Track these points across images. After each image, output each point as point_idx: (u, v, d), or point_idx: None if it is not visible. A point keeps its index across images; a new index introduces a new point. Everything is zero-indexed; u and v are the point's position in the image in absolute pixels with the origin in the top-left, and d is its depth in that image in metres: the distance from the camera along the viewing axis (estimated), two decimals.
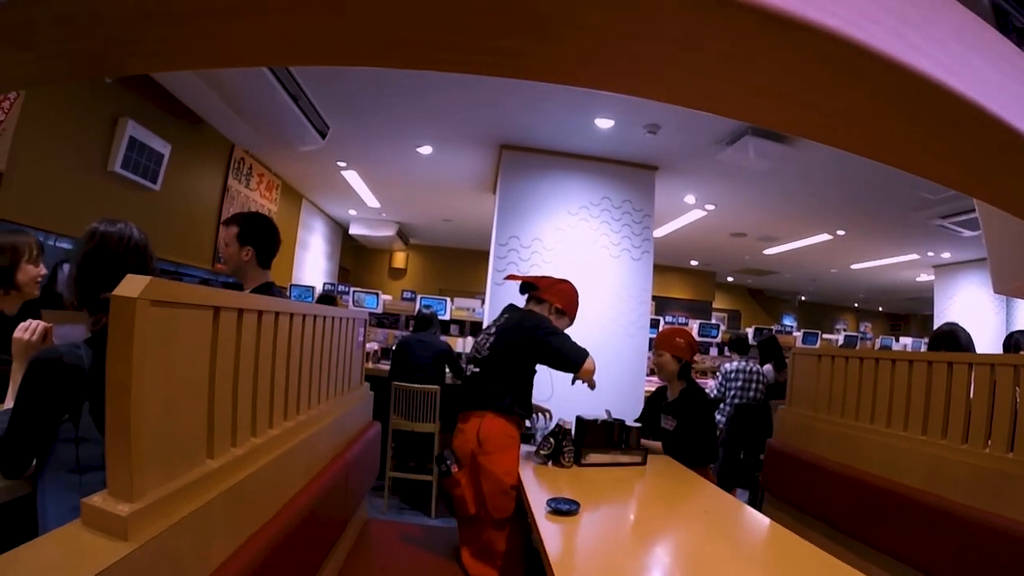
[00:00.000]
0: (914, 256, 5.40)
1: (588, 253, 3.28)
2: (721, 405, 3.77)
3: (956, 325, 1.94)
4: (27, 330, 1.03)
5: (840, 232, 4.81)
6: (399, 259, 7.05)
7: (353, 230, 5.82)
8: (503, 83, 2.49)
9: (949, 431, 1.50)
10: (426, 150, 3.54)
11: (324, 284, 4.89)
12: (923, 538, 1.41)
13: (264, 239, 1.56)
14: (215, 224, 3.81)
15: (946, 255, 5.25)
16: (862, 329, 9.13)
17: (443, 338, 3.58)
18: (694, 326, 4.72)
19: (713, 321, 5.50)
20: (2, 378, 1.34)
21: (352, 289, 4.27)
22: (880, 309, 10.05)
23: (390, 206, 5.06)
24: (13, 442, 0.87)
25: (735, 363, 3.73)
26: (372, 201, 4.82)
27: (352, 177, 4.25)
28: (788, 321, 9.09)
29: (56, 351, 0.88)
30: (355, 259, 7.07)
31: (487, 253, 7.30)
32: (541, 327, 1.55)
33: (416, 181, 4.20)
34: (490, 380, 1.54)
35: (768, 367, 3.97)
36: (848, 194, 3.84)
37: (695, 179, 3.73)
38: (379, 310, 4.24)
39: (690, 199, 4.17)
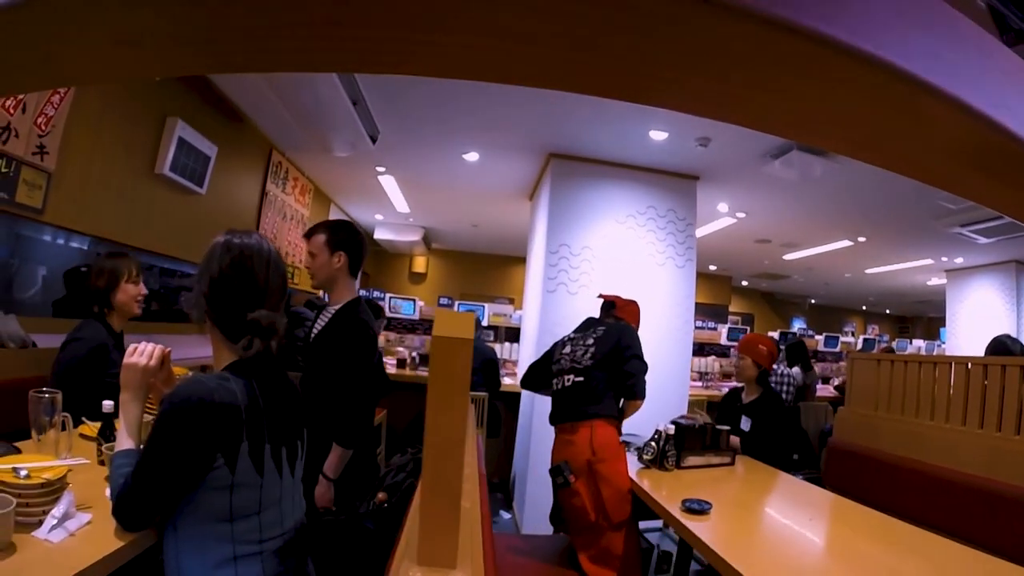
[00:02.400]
0: (928, 261, 5.82)
1: (636, 261, 3.53)
2: None
3: (1008, 336, 2.28)
4: (142, 355, 0.92)
5: (861, 239, 5.17)
6: (419, 263, 7.25)
7: (378, 235, 5.99)
8: (560, 93, 2.71)
9: (1004, 425, 1.79)
10: (472, 157, 3.75)
11: (359, 291, 5.05)
12: (986, 518, 1.70)
13: (355, 244, 1.57)
14: (254, 228, 3.95)
15: (959, 260, 5.68)
16: (869, 331, 9.64)
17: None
18: (723, 331, 5.03)
19: (729, 325, 5.82)
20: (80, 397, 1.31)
21: (388, 295, 4.44)
22: (887, 312, 10.62)
23: (420, 211, 5.26)
24: (141, 495, 0.77)
25: None
26: (403, 206, 5.01)
27: (388, 182, 4.44)
28: (798, 323, 9.55)
29: (204, 387, 0.77)
30: (376, 263, 7.24)
31: (513, 258, 7.59)
32: (633, 349, 1.77)
33: (454, 187, 4.41)
34: (596, 389, 1.72)
35: (796, 369, 4.30)
36: (873, 203, 4.18)
37: (732, 188, 4.02)
38: (416, 316, 4.43)
39: (723, 207, 4.47)
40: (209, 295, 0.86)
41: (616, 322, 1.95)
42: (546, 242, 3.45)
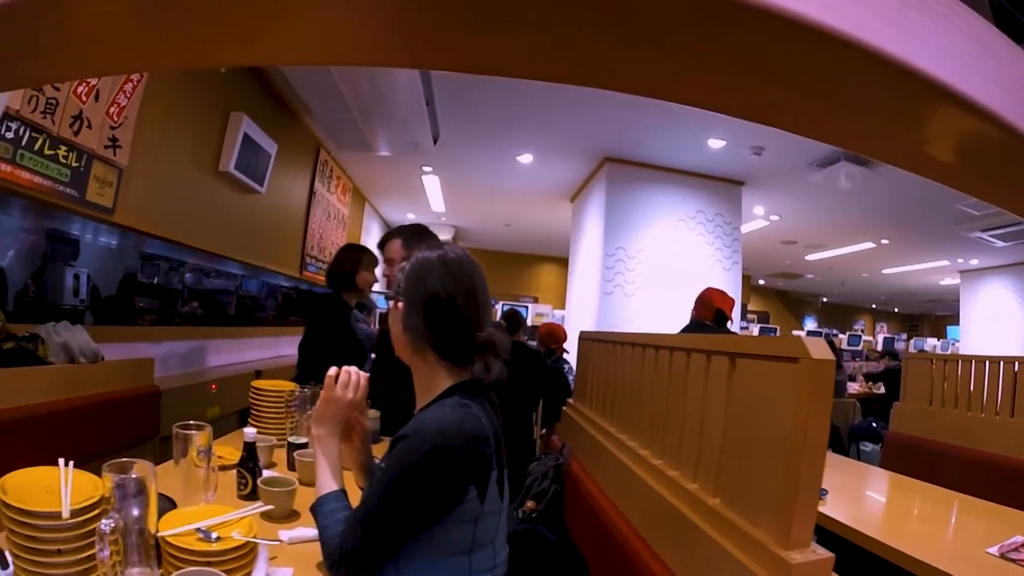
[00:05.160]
0: (945, 262, 6.31)
1: (686, 264, 3.86)
2: None
3: None
4: (347, 387, 0.87)
5: (884, 241, 5.61)
6: None
7: None
8: (622, 98, 2.96)
9: None
10: (526, 159, 4.01)
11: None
12: None
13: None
14: (303, 229, 4.13)
15: (974, 261, 6.18)
16: (878, 329, 10.25)
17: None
18: (754, 330, 5.41)
19: (760, 324, 6.23)
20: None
21: None
22: (896, 310, 11.29)
23: (455, 211, 5.49)
24: (377, 542, 0.73)
25: None
26: (439, 206, 5.24)
27: (431, 182, 4.66)
28: (810, 321, 10.10)
29: (454, 419, 0.75)
30: None
31: (539, 257, 7.87)
32: None
33: (499, 187, 4.66)
34: None
35: None
36: (899, 207, 4.58)
37: (772, 193, 4.38)
38: None
39: (759, 210, 4.83)
40: (428, 317, 0.80)
41: (689, 324, 2.31)
42: (603, 245, 3.74)
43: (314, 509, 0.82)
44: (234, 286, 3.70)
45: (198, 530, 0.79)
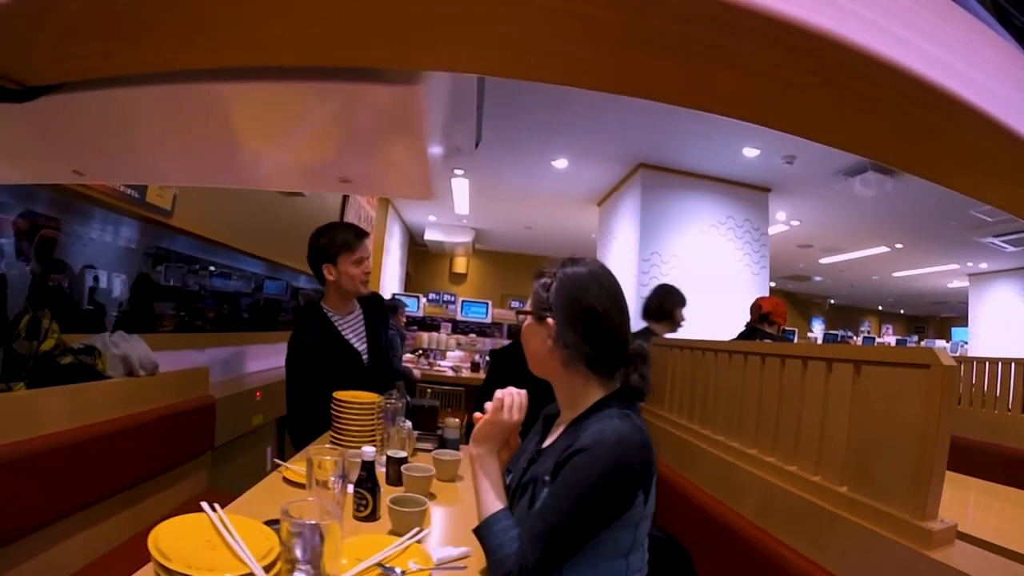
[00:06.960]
0: (954, 266, 6.66)
1: (717, 268, 4.10)
2: None
3: None
4: (511, 409, 0.92)
5: (898, 245, 5.93)
6: (460, 264, 7.67)
7: (428, 235, 6.38)
8: (662, 106, 3.17)
9: None
10: (561, 164, 4.22)
11: (429, 295, 5.44)
12: None
13: None
14: None
15: (983, 265, 6.53)
16: (884, 331, 10.66)
17: None
18: None
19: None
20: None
21: (460, 299, 4.87)
22: (901, 312, 11.72)
23: (479, 213, 5.68)
24: (560, 555, 0.77)
25: None
26: (463, 208, 5.42)
27: (460, 185, 4.85)
28: (817, 323, 10.47)
29: (627, 430, 0.79)
30: (416, 263, 7.63)
31: (554, 259, 8.08)
32: None
33: (528, 191, 4.86)
34: None
35: None
36: (917, 213, 4.86)
37: (796, 199, 4.64)
38: (488, 320, 4.88)
39: (781, 215, 5.10)
40: (585, 332, 0.85)
41: (744, 331, 2.54)
42: (638, 249, 3.96)
43: (483, 530, 0.85)
44: (251, 288, 3.77)
45: (379, 565, 0.78)
